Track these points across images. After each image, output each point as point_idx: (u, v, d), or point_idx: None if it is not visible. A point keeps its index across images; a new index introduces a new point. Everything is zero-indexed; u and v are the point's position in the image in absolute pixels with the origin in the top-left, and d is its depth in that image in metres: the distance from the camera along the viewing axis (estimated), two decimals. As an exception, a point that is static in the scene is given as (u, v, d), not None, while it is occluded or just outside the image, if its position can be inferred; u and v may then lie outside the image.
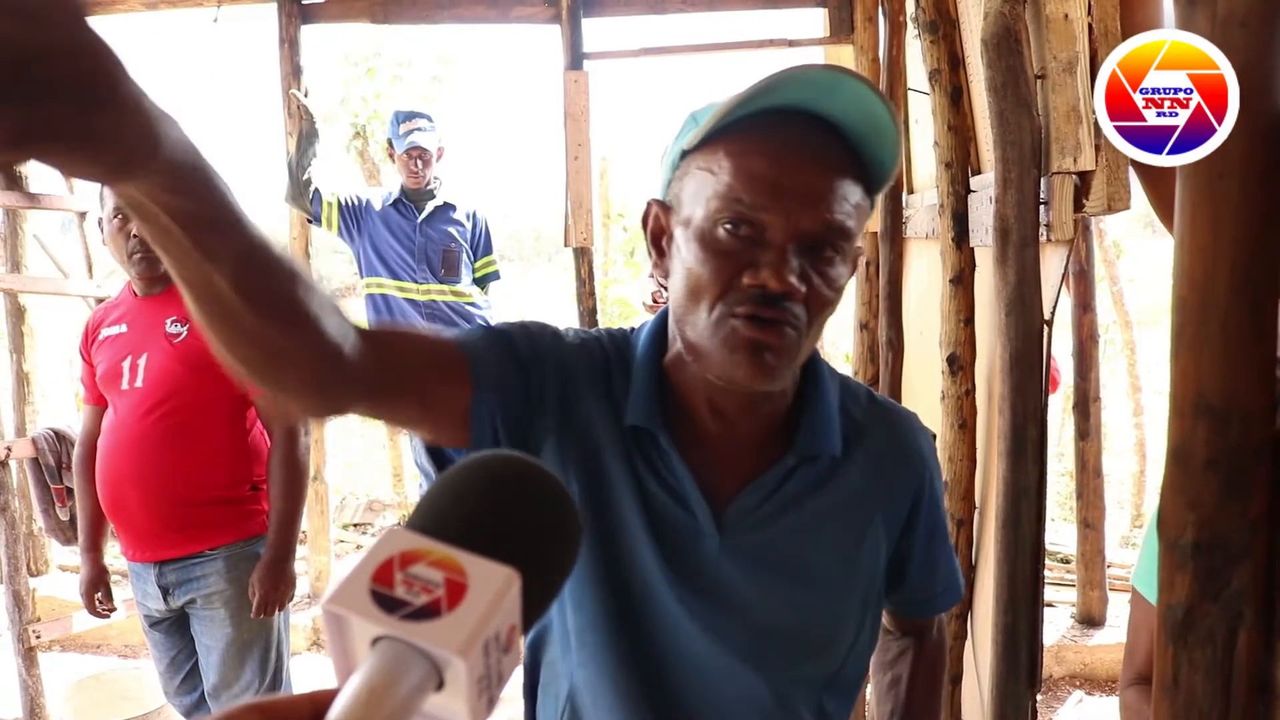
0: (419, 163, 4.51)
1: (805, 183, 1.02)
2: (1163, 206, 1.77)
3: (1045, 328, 2.13)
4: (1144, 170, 1.85)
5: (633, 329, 1.26)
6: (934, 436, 1.34)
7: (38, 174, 4.89)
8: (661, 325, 1.21)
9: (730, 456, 1.16)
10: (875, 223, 3.87)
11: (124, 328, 2.82)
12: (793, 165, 1.02)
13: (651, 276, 4.66)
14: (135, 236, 2.71)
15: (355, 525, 6.67)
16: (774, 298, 1.01)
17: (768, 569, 1.14)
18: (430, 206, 4.56)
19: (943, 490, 1.30)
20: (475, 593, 0.52)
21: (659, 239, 1.15)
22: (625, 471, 1.15)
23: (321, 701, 0.52)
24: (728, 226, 1.03)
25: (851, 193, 1.05)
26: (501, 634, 0.53)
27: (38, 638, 3.83)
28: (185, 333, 2.73)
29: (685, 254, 1.07)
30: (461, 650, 0.50)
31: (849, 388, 1.25)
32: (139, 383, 2.73)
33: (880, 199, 1.16)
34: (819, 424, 1.16)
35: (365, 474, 8.55)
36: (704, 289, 1.05)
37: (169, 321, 2.75)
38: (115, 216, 2.73)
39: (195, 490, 2.73)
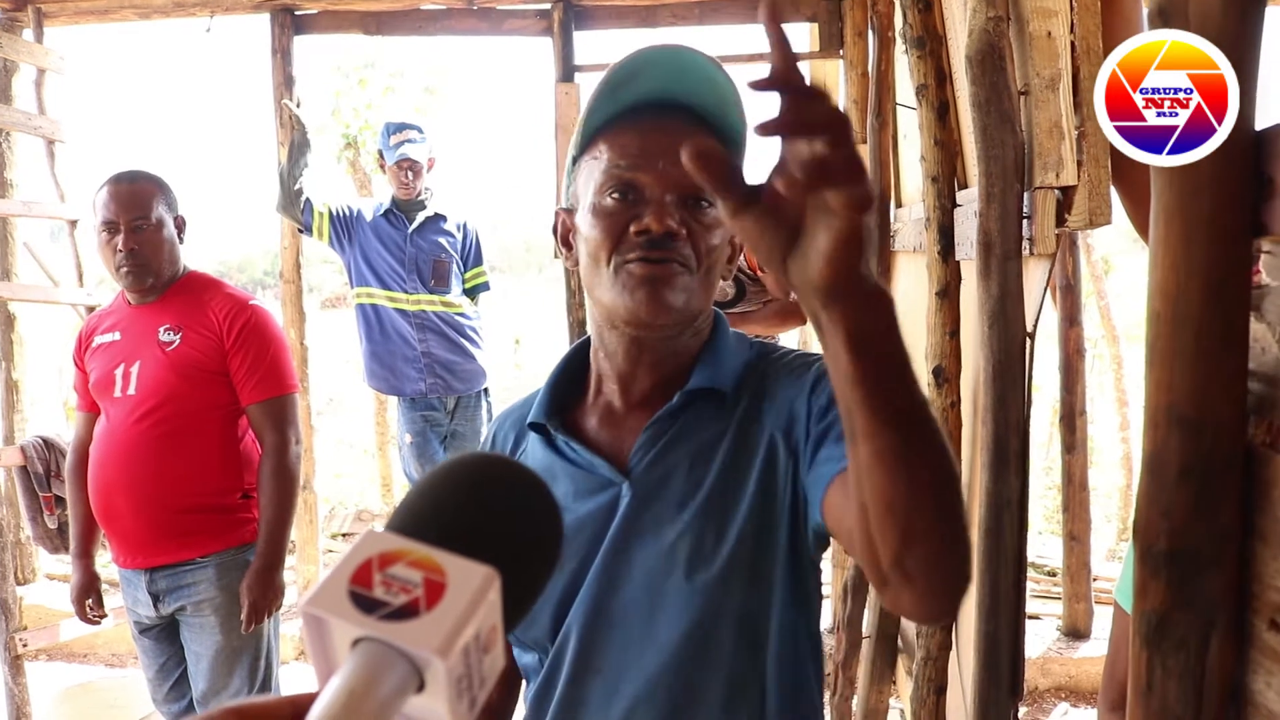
0: (409, 174, 4.52)
1: (672, 144, 1.14)
2: (1140, 219, 1.79)
3: (1028, 340, 2.15)
4: (1123, 186, 1.87)
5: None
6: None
7: (26, 181, 4.90)
8: (584, 344, 1.36)
9: (637, 414, 1.27)
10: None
11: (117, 335, 2.83)
12: (659, 133, 1.18)
13: None
14: (121, 251, 2.72)
15: (344, 535, 6.66)
16: (659, 240, 1.15)
17: (669, 499, 1.21)
18: (421, 217, 4.57)
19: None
20: (454, 592, 0.52)
21: (567, 238, 1.30)
22: (547, 466, 1.28)
23: (301, 704, 0.52)
24: (614, 195, 1.18)
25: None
26: (482, 634, 0.53)
27: (24, 646, 3.82)
28: (178, 341, 2.74)
29: (584, 229, 1.22)
30: (440, 650, 0.50)
31: (771, 348, 1.34)
32: (131, 390, 2.74)
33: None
34: (708, 364, 1.26)
35: (354, 484, 8.54)
36: (600, 247, 1.19)
37: (162, 329, 2.76)
38: (104, 229, 2.74)
39: (186, 497, 2.74)
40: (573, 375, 1.35)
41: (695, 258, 1.18)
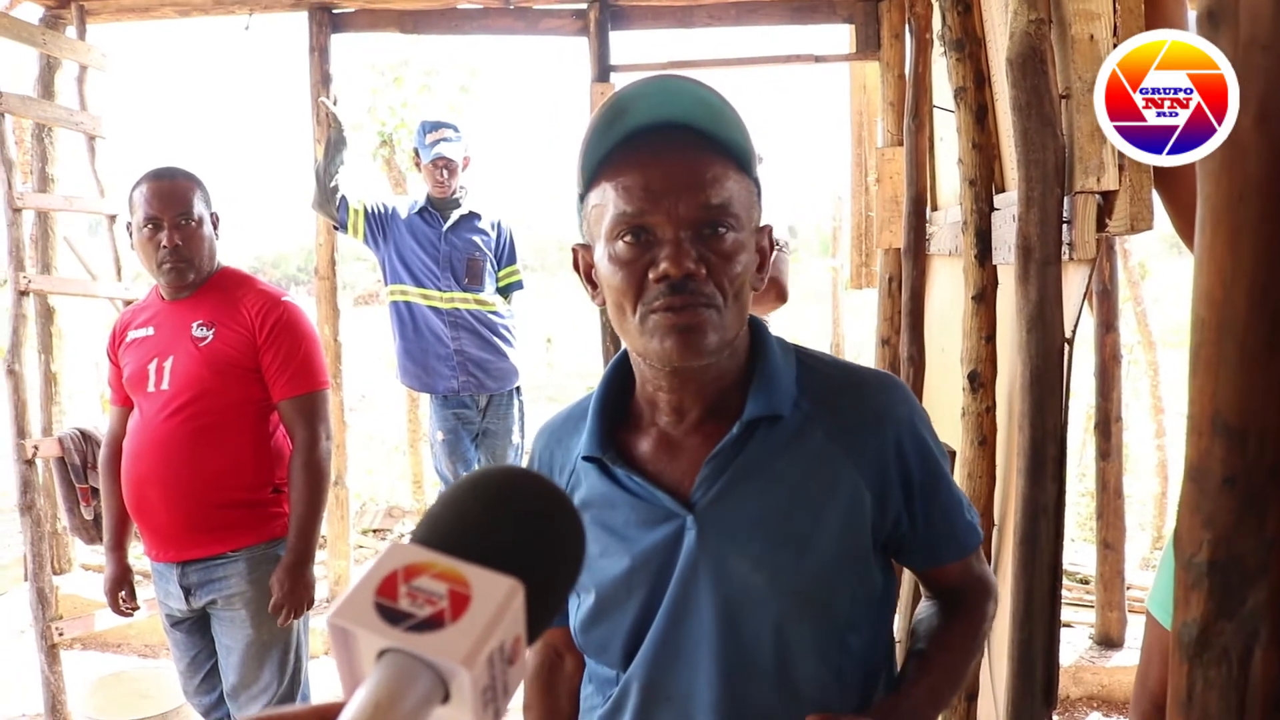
0: (445, 172, 4.53)
1: (675, 178, 1.14)
2: (1184, 224, 1.77)
3: (1066, 346, 2.13)
4: (1167, 192, 1.85)
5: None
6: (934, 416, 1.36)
7: (67, 176, 4.95)
8: (622, 359, 1.34)
9: (693, 444, 1.25)
10: (899, 238, 3.87)
11: (151, 330, 2.85)
12: (660, 168, 1.15)
13: None
14: (165, 247, 2.75)
15: (374, 531, 6.70)
16: (678, 284, 1.13)
17: (741, 534, 1.20)
18: (455, 215, 4.59)
19: (931, 439, 1.30)
20: (479, 604, 0.52)
21: (590, 275, 1.27)
22: (605, 495, 1.27)
23: (328, 714, 0.52)
24: (626, 239, 1.16)
25: (722, 173, 1.17)
26: (506, 645, 0.53)
27: (60, 635, 3.86)
28: (211, 336, 2.76)
29: (604, 276, 1.20)
30: (465, 660, 0.50)
31: (811, 355, 1.33)
32: (165, 385, 2.76)
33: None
34: (762, 389, 1.23)
35: (385, 480, 8.58)
36: (624, 297, 1.17)
37: (195, 325, 2.78)
38: (146, 225, 2.76)
39: (218, 492, 2.76)
40: (617, 395, 1.33)
41: (720, 292, 1.16)
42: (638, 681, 1.25)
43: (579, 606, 1.31)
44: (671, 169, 1.15)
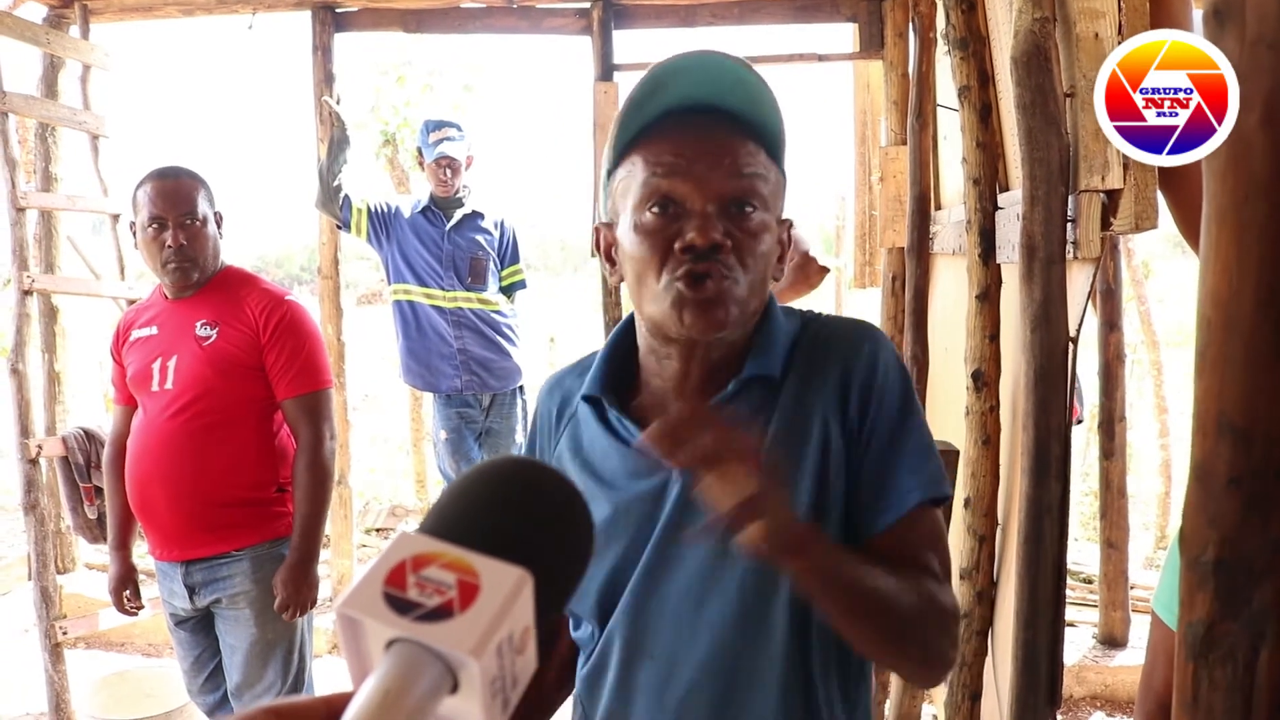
0: (448, 171, 4.54)
1: (709, 153, 1.17)
2: (1188, 224, 1.77)
3: (1070, 345, 2.12)
4: (1171, 194, 1.84)
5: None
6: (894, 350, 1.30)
7: (70, 175, 4.95)
8: (629, 323, 1.36)
9: (694, 401, 1.25)
10: (903, 237, 3.87)
11: (154, 329, 2.85)
12: (695, 142, 1.17)
13: None
14: (170, 246, 2.75)
15: (378, 530, 6.70)
16: (703, 253, 1.14)
17: None
18: (459, 215, 4.59)
19: (893, 378, 1.23)
20: (487, 594, 0.52)
21: (609, 253, 1.30)
22: (600, 441, 1.29)
23: (337, 705, 0.52)
24: (654, 209, 1.18)
25: (754, 154, 1.19)
26: (515, 635, 0.53)
27: (64, 634, 3.87)
28: (215, 335, 2.76)
29: (628, 246, 1.21)
30: (474, 650, 0.50)
31: (817, 317, 1.33)
32: (168, 384, 2.76)
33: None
34: (760, 352, 1.25)
35: (389, 479, 8.57)
36: (647, 265, 1.18)
37: (199, 324, 2.78)
38: (150, 224, 2.76)
39: (222, 491, 2.76)
40: (624, 352, 1.35)
41: (741, 267, 1.17)
42: (619, 638, 1.24)
43: None
44: (703, 144, 1.17)
